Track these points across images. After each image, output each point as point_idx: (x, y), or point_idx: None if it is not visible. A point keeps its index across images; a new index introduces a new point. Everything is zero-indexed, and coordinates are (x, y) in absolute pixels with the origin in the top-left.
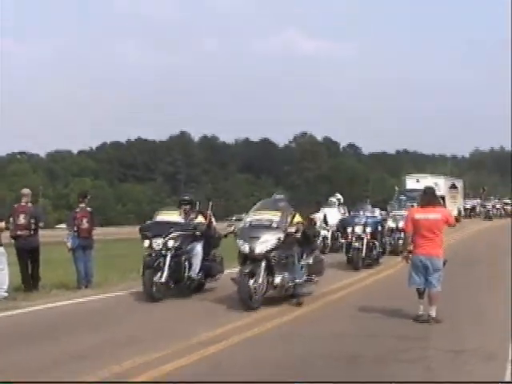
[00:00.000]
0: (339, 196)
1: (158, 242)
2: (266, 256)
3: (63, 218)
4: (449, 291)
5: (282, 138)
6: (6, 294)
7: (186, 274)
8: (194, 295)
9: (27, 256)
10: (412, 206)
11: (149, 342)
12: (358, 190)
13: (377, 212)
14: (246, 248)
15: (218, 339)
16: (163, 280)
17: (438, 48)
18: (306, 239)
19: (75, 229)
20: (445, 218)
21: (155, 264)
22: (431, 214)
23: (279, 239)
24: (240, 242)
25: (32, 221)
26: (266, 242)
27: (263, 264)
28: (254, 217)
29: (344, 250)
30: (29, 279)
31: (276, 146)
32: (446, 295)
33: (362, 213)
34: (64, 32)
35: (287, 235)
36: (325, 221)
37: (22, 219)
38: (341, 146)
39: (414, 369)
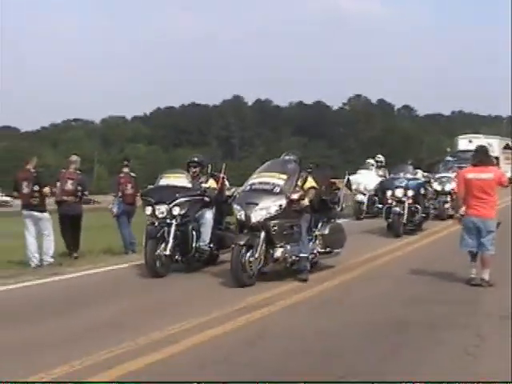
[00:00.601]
0: (381, 157)
1: (161, 210)
2: (264, 225)
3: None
4: (501, 255)
5: (335, 101)
6: (51, 260)
7: (194, 245)
8: (207, 268)
9: (69, 222)
10: (460, 167)
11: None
12: (412, 152)
13: (419, 174)
14: (241, 215)
15: (262, 304)
16: (168, 252)
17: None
18: (323, 206)
19: (120, 194)
20: (497, 177)
21: (158, 234)
22: (483, 174)
23: (280, 206)
24: (237, 207)
25: (79, 188)
26: (264, 209)
27: (262, 234)
28: (256, 179)
29: (384, 215)
30: (71, 245)
31: (330, 109)
32: (498, 258)
33: (402, 175)
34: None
35: (291, 202)
36: (347, 185)
37: (69, 185)
38: (395, 108)
39: (464, 335)
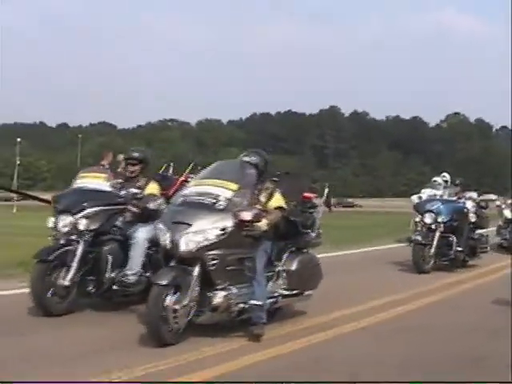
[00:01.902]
0: (446, 176)
1: (65, 222)
2: (199, 256)
3: None
4: None
5: (433, 118)
6: None
7: (110, 275)
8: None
9: None
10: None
11: None
12: (508, 175)
13: (471, 195)
14: (166, 240)
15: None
16: (66, 282)
17: None
18: (291, 230)
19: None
20: None
21: (53, 255)
22: None
23: (224, 230)
24: (160, 229)
25: None
26: (200, 233)
27: (195, 270)
28: (193, 189)
29: (412, 245)
30: None
31: (427, 125)
32: None
33: (438, 196)
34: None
35: (242, 224)
36: (327, 201)
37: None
38: (493, 129)
39: None
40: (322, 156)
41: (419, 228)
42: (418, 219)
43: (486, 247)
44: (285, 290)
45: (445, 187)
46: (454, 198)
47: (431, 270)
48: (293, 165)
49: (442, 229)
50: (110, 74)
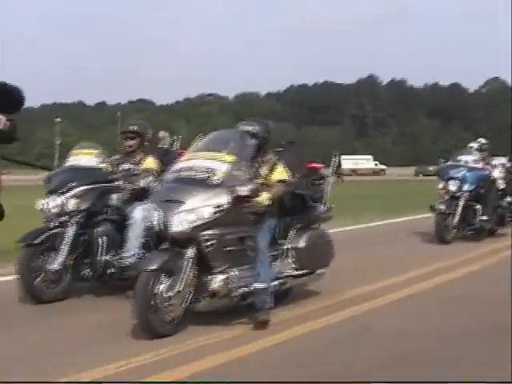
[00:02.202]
0: (483, 141)
1: (55, 202)
2: (194, 237)
3: None
4: None
5: (472, 84)
6: None
7: (104, 257)
8: None
9: None
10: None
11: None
12: None
13: (501, 160)
14: (156, 221)
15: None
16: (56, 266)
17: None
18: (298, 205)
19: None
20: None
21: (42, 237)
22: None
23: (220, 207)
24: (151, 208)
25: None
26: (193, 212)
27: (189, 253)
28: (186, 163)
29: (435, 215)
30: None
31: (466, 91)
32: None
33: (463, 162)
34: None
35: (240, 200)
36: (337, 171)
37: None
38: None
39: None
40: (362, 125)
41: (442, 196)
42: (441, 186)
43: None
44: (293, 269)
45: (481, 151)
46: (480, 165)
47: (454, 240)
48: (333, 135)
49: (467, 197)
50: (147, 51)
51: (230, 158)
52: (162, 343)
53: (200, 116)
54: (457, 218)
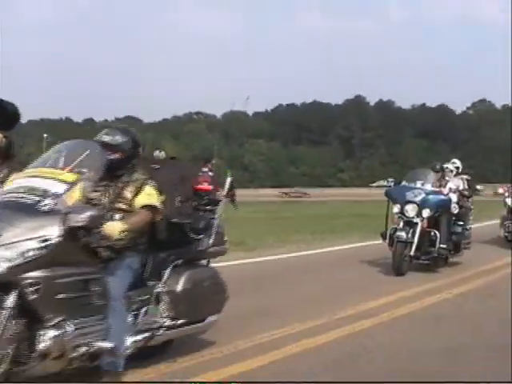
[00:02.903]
0: (457, 163)
1: None
2: (13, 280)
3: (238, 178)
4: None
5: (459, 105)
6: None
7: None
8: None
9: None
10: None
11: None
12: None
13: (456, 182)
14: None
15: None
16: None
17: None
18: (177, 236)
19: None
20: None
21: None
22: None
23: (48, 241)
24: None
25: None
26: (12, 247)
27: (9, 301)
28: (18, 182)
29: (387, 240)
30: None
31: (453, 113)
32: None
33: (420, 184)
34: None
35: (73, 232)
36: (229, 193)
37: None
38: None
39: None
40: (349, 146)
41: (398, 222)
42: (396, 209)
43: (469, 242)
44: (169, 318)
45: (456, 174)
46: (436, 189)
47: (407, 270)
48: (320, 156)
49: (425, 223)
50: (135, 68)
51: (69, 177)
52: None
53: (188, 134)
54: (414, 246)
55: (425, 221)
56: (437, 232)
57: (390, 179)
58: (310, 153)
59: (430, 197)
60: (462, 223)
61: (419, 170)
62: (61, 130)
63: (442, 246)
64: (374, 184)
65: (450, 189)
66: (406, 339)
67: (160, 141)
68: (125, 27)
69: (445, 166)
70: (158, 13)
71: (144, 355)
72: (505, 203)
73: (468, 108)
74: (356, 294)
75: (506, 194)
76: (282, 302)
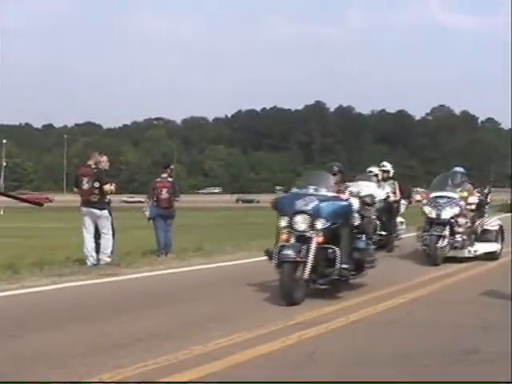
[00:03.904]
0: (387, 166)
1: None
2: None
3: (198, 183)
4: None
5: (418, 111)
6: (108, 260)
7: None
8: None
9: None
10: (472, 183)
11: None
12: (495, 166)
13: (360, 185)
14: None
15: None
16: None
17: None
18: None
19: (155, 198)
20: None
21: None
22: None
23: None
24: None
25: (96, 185)
26: None
27: None
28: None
29: (274, 260)
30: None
31: (412, 119)
32: None
33: (313, 190)
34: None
35: None
36: None
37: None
38: (479, 121)
39: None
40: (309, 151)
41: (286, 237)
42: (284, 223)
43: (374, 260)
44: None
45: (383, 179)
46: (334, 194)
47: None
48: (280, 161)
49: (320, 238)
50: (95, 74)
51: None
52: None
53: (148, 140)
54: (309, 267)
55: (320, 234)
56: (336, 248)
57: (278, 187)
58: (270, 158)
59: (325, 204)
60: (365, 237)
61: (314, 173)
62: (20, 135)
63: (343, 265)
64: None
65: (352, 193)
66: None
67: (120, 146)
68: (85, 32)
69: (368, 169)
70: (118, 17)
71: None
72: (423, 211)
73: (427, 114)
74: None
75: (424, 201)
76: (230, 309)
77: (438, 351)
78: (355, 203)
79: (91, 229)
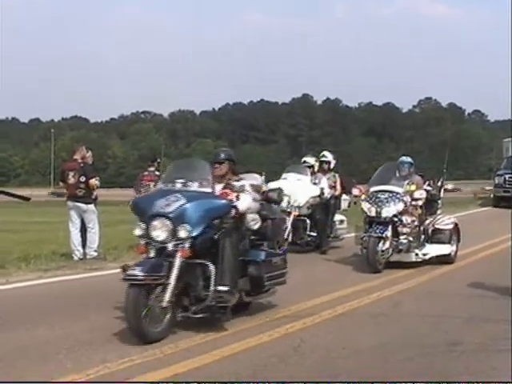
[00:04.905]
0: (328, 157)
1: None
2: None
3: None
4: None
5: (405, 103)
6: (95, 254)
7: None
8: None
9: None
10: (422, 175)
11: None
12: (481, 158)
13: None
14: None
15: None
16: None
17: None
18: None
19: (143, 191)
20: None
21: None
22: None
23: None
24: None
25: (82, 179)
26: None
27: None
28: None
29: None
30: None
31: (399, 111)
32: None
33: (180, 184)
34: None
35: None
36: None
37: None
38: (466, 113)
39: None
40: (296, 144)
41: (142, 249)
42: (139, 231)
43: (282, 274)
44: None
45: (321, 171)
46: (207, 190)
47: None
48: (267, 154)
49: (186, 252)
50: (81, 67)
51: None
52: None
53: (135, 133)
54: (169, 291)
55: (186, 246)
56: (209, 264)
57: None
58: (257, 151)
59: (192, 205)
60: (270, 244)
61: (186, 161)
62: (7, 129)
63: (219, 287)
64: None
65: (255, 187)
66: None
67: (107, 140)
68: (71, 26)
69: (303, 159)
70: (105, 9)
71: None
72: (361, 209)
73: (414, 106)
74: None
75: (363, 197)
76: None
77: (422, 343)
78: (245, 201)
79: (77, 223)
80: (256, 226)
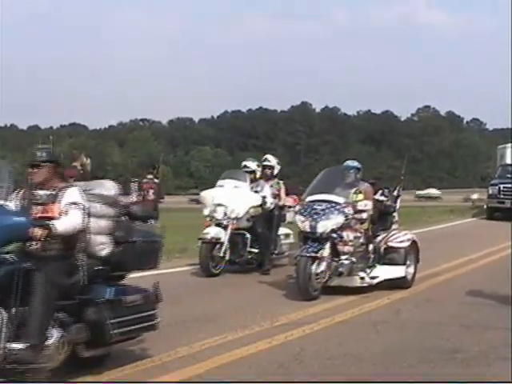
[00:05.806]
0: (271, 161)
1: None
2: None
3: (184, 184)
4: None
5: (404, 111)
6: None
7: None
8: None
9: None
10: (373, 183)
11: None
12: (480, 166)
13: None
14: None
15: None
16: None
17: None
18: None
19: (141, 199)
20: None
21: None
22: None
23: None
24: None
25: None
26: None
27: None
28: None
29: None
30: None
31: (398, 119)
32: None
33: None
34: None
35: None
36: None
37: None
38: (464, 121)
39: None
40: (294, 152)
41: None
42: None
43: (152, 317)
44: None
45: (265, 178)
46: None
47: None
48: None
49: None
50: (81, 75)
51: None
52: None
53: (133, 141)
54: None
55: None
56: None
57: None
58: (255, 159)
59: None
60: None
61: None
62: (5, 136)
63: (13, 345)
64: None
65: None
66: None
67: (105, 148)
68: (70, 33)
69: (243, 163)
70: (105, 15)
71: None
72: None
73: (413, 115)
74: None
75: (297, 208)
76: (215, 310)
77: (423, 350)
78: (70, 219)
79: None
80: (104, 252)
